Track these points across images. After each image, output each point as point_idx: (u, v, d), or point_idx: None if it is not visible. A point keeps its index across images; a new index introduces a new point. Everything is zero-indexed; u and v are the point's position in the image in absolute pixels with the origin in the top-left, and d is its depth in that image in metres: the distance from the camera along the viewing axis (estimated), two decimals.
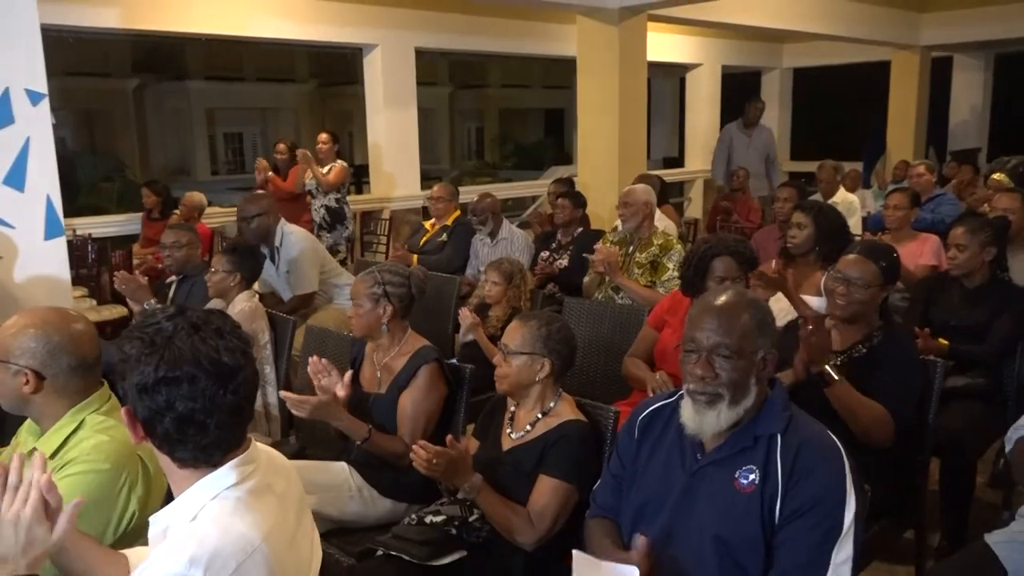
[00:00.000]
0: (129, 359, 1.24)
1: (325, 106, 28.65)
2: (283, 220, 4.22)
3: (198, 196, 6.20)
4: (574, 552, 1.63)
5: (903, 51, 9.69)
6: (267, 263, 4.24)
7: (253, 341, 3.08)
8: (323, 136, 6.42)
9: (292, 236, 4.16)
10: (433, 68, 25.11)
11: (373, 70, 7.03)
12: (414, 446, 1.98)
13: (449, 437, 2.00)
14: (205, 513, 1.25)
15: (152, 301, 3.42)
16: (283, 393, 2.45)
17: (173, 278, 3.86)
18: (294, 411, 2.41)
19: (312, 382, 2.48)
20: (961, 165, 7.97)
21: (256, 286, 3.60)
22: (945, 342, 3.13)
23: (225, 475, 1.28)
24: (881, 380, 2.32)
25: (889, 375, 2.34)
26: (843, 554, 1.54)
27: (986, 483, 3.42)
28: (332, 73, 26.21)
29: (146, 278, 3.64)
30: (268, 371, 3.23)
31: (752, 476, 1.60)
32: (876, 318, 2.51)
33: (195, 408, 1.22)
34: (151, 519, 1.35)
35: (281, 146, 6.52)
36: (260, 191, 4.18)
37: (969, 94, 11.01)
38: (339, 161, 6.29)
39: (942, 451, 2.83)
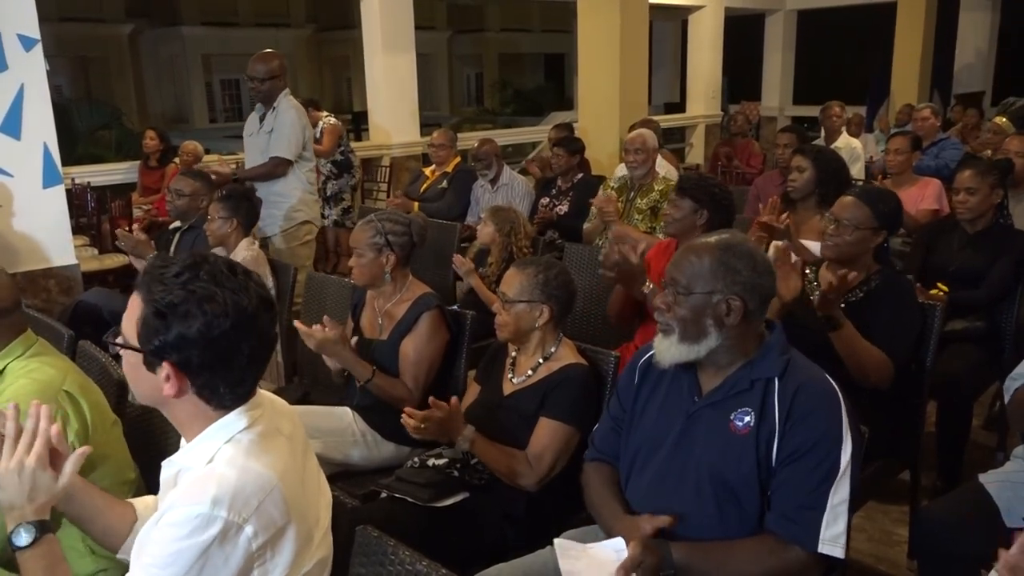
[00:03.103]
0: (178, 309, 1.22)
1: (322, 51, 28.23)
2: (288, 89, 4.17)
3: (198, 146, 6.16)
4: (556, 540, 1.64)
5: None
6: (250, 124, 4.23)
7: None
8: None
9: (291, 103, 4.12)
10: (431, 12, 24.66)
11: (371, 13, 6.90)
12: (403, 415, 1.99)
13: (431, 399, 2.00)
14: (221, 455, 1.27)
15: (153, 256, 3.41)
16: (296, 322, 2.48)
17: (177, 223, 3.85)
18: (305, 340, 2.45)
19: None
20: (967, 109, 7.88)
21: (255, 232, 3.59)
22: (945, 288, 3.14)
23: (237, 419, 1.30)
24: (878, 323, 2.35)
25: (886, 318, 2.36)
26: (840, 495, 1.57)
27: (981, 425, 3.46)
28: (329, 17, 25.78)
29: (144, 235, 3.62)
30: None
31: (748, 418, 1.62)
32: (872, 262, 2.51)
33: (259, 346, 1.28)
34: (163, 463, 1.38)
35: None
36: (271, 51, 4.14)
37: (975, 36, 10.82)
38: (327, 121, 6.15)
39: (939, 394, 2.87)
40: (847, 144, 5.61)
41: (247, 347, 1.26)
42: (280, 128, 4.06)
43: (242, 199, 3.37)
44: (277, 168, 4.08)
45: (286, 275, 3.32)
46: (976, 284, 3.15)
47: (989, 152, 4.95)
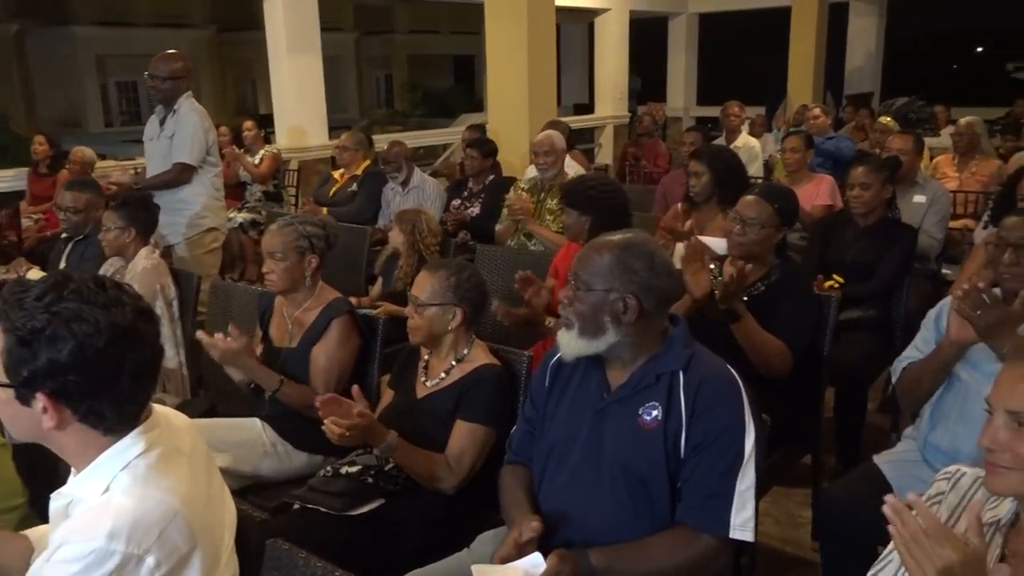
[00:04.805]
0: (43, 334, 1.14)
1: (225, 53, 27.41)
2: (191, 92, 4.04)
3: (87, 152, 5.88)
4: (473, 567, 1.65)
5: None
6: (149, 128, 4.10)
7: (156, 297, 3.01)
8: (248, 123, 6.47)
9: (193, 105, 3.99)
10: (337, 13, 24.27)
11: (274, 14, 6.74)
12: (327, 422, 1.95)
13: (357, 408, 1.96)
14: (117, 484, 1.21)
15: (23, 270, 3.25)
16: (199, 333, 2.41)
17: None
18: (209, 351, 2.39)
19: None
20: (859, 108, 8.28)
21: (158, 241, 3.47)
22: (840, 279, 3.30)
23: (132, 443, 1.24)
24: (778, 315, 2.44)
25: (785, 310, 2.46)
26: (746, 482, 1.63)
27: (876, 409, 3.64)
28: (231, 18, 25.04)
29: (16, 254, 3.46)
30: (176, 329, 3.14)
31: (655, 412, 1.66)
32: (773, 257, 2.62)
33: (143, 360, 1.22)
34: (52, 496, 1.30)
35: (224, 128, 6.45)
36: (175, 52, 3.99)
37: (864, 39, 11.39)
38: (269, 148, 6.22)
39: (837, 380, 3.00)
40: (746, 143, 5.81)
41: (129, 363, 1.20)
42: (182, 132, 3.93)
43: (138, 207, 3.24)
44: (181, 174, 3.96)
45: (189, 284, 3.21)
46: (869, 275, 3.31)
47: (878, 150, 5.21)
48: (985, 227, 3.87)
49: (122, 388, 1.21)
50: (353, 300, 3.36)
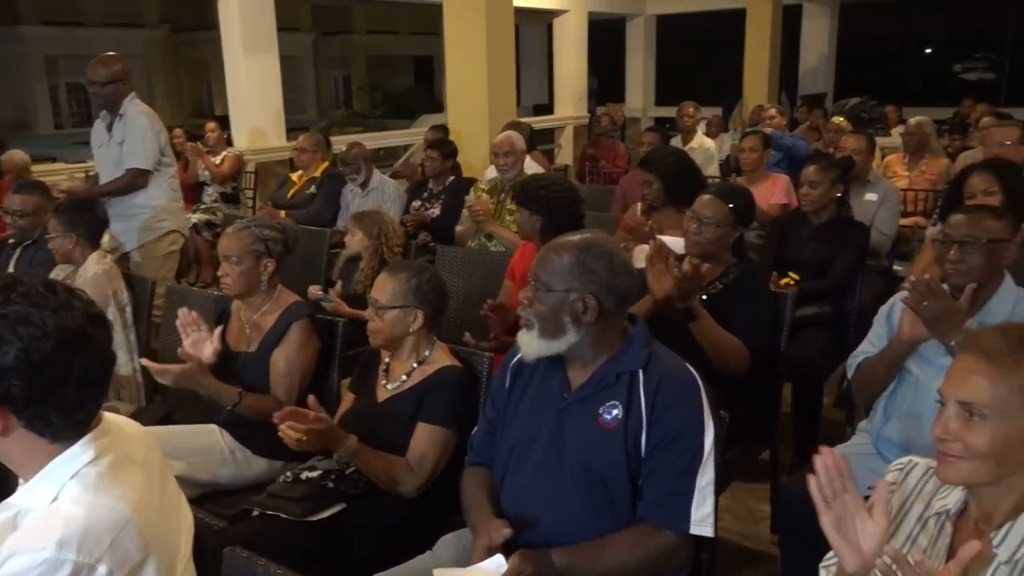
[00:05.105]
0: None
1: (180, 53, 27.01)
2: (134, 93, 3.95)
3: (18, 155, 5.71)
4: (435, 571, 1.65)
5: None
6: (97, 135, 4.02)
7: (108, 303, 2.94)
8: (211, 125, 6.54)
9: (139, 108, 3.91)
10: (295, 13, 24.04)
11: (229, 13, 6.65)
12: (282, 427, 1.92)
13: (313, 414, 1.94)
14: (66, 493, 1.18)
15: None
16: (144, 361, 2.35)
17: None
18: (158, 379, 2.33)
19: (175, 344, 2.38)
20: (813, 109, 8.43)
21: (106, 242, 3.39)
22: (796, 277, 3.35)
23: (81, 451, 1.21)
24: (736, 313, 2.47)
25: (743, 308, 2.49)
26: (706, 478, 1.65)
27: (832, 404, 3.71)
28: (185, 17, 24.66)
29: None
30: (130, 335, 3.07)
31: (616, 411, 1.67)
32: (730, 256, 2.65)
33: (92, 366, 1.19)
34: None
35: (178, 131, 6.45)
36: (112, 54, 3.89)
37: (817, 41, 11.61)
38: (231, 150, 6.24)
39: (793, 376, 3.05)
40: (701, 144, 5.88)
41: (77, 368, 1.17)
42: (132, 137, 3.85)
43: (80, 211, 3.15)
44: (136, 180, 3.89)
45: (143, 289, 3.15)
46: (824, 272, 3.37)
47: (832, 149, 5.31)
48: (935, 224, 3.96)
49: (69, 394, 1.18)
50: (314, 288, 3.32)
